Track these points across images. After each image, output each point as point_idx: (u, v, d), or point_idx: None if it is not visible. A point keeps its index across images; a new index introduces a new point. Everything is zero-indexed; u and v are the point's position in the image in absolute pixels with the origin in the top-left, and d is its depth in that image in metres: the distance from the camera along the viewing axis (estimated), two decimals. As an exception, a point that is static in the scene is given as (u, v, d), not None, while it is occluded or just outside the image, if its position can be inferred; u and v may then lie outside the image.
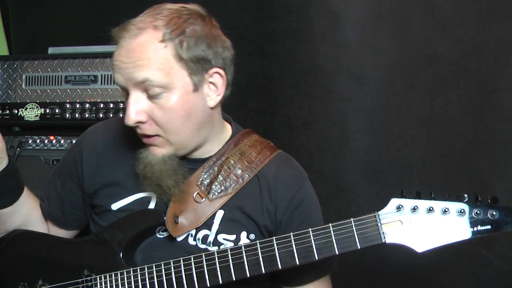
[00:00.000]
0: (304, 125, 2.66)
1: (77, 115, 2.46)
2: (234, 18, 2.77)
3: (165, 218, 1.47)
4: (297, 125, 2.67)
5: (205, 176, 1.52)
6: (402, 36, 2.50)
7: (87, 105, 2.46)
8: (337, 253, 1.32)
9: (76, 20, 3.02)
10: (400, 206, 1.30)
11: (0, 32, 3.17)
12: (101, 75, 2.50)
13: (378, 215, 1.31)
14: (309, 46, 2.64)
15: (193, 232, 1.52)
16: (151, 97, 1.40)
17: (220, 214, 1.52)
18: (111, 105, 2.45)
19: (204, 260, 1.38)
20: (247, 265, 1.35)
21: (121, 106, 2.44)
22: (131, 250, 1.50)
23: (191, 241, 1.52)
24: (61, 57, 2.52)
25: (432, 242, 1.29)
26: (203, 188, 1.51)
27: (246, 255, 1.35)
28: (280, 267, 1.34)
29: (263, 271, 1.35)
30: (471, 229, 1.27)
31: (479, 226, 1.26)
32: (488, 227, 1.26)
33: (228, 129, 1.64)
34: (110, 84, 2.49)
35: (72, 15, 3.03)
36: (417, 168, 2.47)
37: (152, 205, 1.55)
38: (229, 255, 1.37)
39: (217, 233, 1.51)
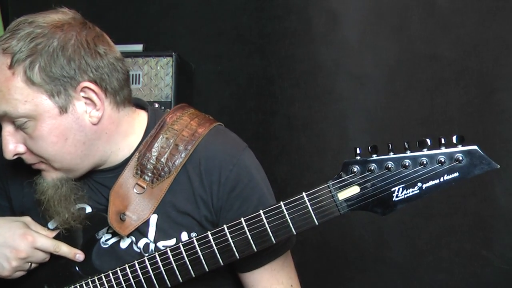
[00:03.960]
0: (304, 125, 2.66)
1: (77, 115, 2.46)
2: (234, 18, 2.77)
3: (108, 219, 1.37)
4: (297, 125, 2.67)
5: (141, 165, 1.39)
6: (402, 36, 2.50)
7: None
8: (294, 233, 1.21)
9: (76, 20, 3.02)
10: (355, 169, 1.17)
11: (0, 32, 3.18)
12: (101, 75, 2.50)
13: (331, 184, 1.19)
14: (309, 46, 2.64)
15: (135, 239, 1.41)
16: (18, 127, 1.29)
17: (154, 219, 1.40)
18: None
19: (159, 261, 1.31)
20: (203, 258, 1.27)
21: (121, 106, 2.44)
22: (85, 258, 1.43)
23: (136, 248, 1.42)
24: (61, 57, 2.52)
25: (395, 204, 1.14)
26: (144, 177, 1.38)
27: (200, 249, 1.27)
28: (237, 256, 1.26)
29: (221, 263, 1.27)
30: (436, 181, 1.12)
31: (445, 175, 1.12)
32: (456, 174, 1.12)
33: (142, 122, 1.45)
34: (110, 84, 2.49)
35: (72, 15, 3.03)
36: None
37: None
38: (183, 251, 1.28)
39: (155, 241, 1.40)
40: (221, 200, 1.38)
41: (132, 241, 1.41)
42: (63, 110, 1.29)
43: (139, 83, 2.48)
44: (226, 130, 1.50)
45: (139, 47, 2.54)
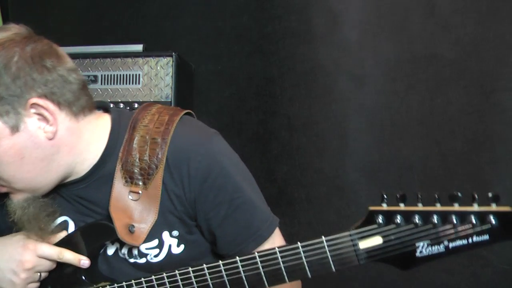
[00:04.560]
0: (304, 125, 2.66)
1: (77, 115, 2.45)
2: (234, 18, 2.77)
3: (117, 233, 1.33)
4: (297, 125, 2.67)
5: (127, 172, 1.34)
6: (402, 36, 2.50)
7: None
8: (309, 276, 1.17)
9: (76, 20, 3.02)
10: (380, 220, 1.10)
11: (0, 32, 3.18)
12: (101, 75, 2.50)
13: (353, 233, 1.12)
14: (309, 46, 2.64)
15: (119, 245, 1.40)
16: None
17: None
18: (111, 105, 2.45)
19: (167, 282, 1.28)
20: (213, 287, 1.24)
21: (121, 106, 2.44)
22: (91, 266, 1.40)
23: (120, 254, 1.40)
24: (61, 57, 2.52)
25: (418, 260, 1.09)
26: (135, 183, 1.34)
27: (210, 277, 1.24)
28: None
29: None
30: (464, 242, 1.06)
31: (474, 237, 1.05)
32: (486, 237, 1.04)
33: (106, 126, 1.41)
34: (110, 84, 2.49)
35: (72, 15, 3.04)
36: (417, 168, 2.47)
37: (71, 229, 1.43)
38: (192, 277, 1.25)
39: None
40: (193, 193, 1.34)
41: (117, 248, 1.40)
42: (14, 129, 1.26)
43: (139, 83, 2.48)
44: (192, 120, 1.45)
45: (139, 47, 2.54)
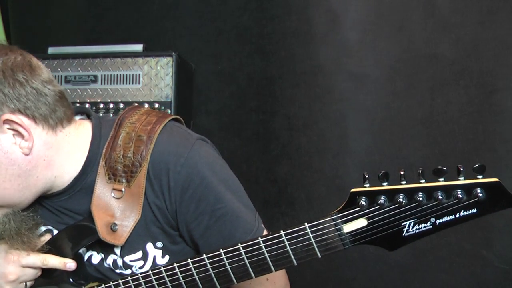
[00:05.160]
0: (304, 125, 2.66)
1: (77, 115, 2.45)
2: (234, 18, 2.77)
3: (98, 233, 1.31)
4: (297, 125, 2.67)
5: (111, 169, 1.31)
6: (402, 36, 2.50)
7: (87, 105, 2.46)
8: (295, 263, 1.15)
9: (76, 20, 3.03)
10: (363, 202, 1.07)
11: (0, 32, 3.18)
12: (101, 75, 2.50)
13: (336, 217, 1.10)
14: (309, 46, 2.64)
15: (104, 256, 1.38)
16: None
17: None
18: (111, 105, 2.46)
19: (153, 280, 1.28)
20: (200, 282, 1.23)
21: (121, 106, 2.44)
22: (77, 268, 1.38)
23: (105, 264, 1.38)
24: (61, 57, 2.52)
25: (405, 239, 1.06)
26: (118, 180, 1.31)
27: (195, 272, 1.23)
28: (235, 282, 1.21)
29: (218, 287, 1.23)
30: (452, 217, 1.02)
31: (461, 211, 1.02)
32: (473, 211, 1.01)
33: (87, 135, 1.37)
34: (110, 84, 2.49)
35: (72, 15, 3.04)
36: (417, 168, 2.47)
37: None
38: (178, 272, 1.24)
39: (122, 256, 1.36)
40: (174, 204, 1.31)
41: (102, 258, 1.39)
42: None
43: (139, 83, 2.48)
44: (175, 127, 1.39)
45: (139, 47, 2.55)
